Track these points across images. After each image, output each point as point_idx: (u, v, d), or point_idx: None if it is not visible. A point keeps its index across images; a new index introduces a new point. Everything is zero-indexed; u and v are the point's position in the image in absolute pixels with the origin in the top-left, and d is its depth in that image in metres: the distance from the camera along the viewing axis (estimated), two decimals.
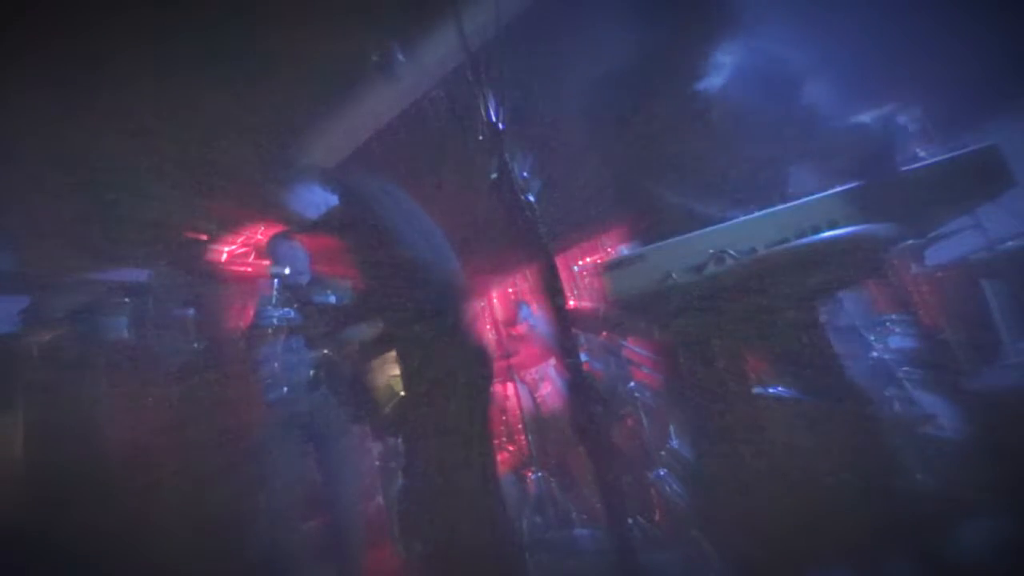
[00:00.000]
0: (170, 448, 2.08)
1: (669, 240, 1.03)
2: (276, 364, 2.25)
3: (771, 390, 1.80)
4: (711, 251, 0.99)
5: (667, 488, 2.25)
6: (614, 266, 1.03)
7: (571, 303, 3.70)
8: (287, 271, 2.40)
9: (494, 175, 1.02)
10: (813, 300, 1.26)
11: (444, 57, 2.22)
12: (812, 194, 1.04)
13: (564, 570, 2.24)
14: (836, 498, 1.20)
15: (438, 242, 2.01)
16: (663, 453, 2.41)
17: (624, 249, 1.05)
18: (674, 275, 0.99)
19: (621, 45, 1.40)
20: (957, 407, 1.90)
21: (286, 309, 2.30)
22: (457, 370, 1.53)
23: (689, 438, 2.11)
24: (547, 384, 3.05)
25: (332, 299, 2.46)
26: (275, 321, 2.26)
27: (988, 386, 2.03)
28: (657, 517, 2.22)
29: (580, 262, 4.24)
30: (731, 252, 0.98)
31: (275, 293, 2.34)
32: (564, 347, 1.03)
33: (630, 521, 2.00)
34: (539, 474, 2.64)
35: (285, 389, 2.22)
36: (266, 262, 3.35)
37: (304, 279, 2.50)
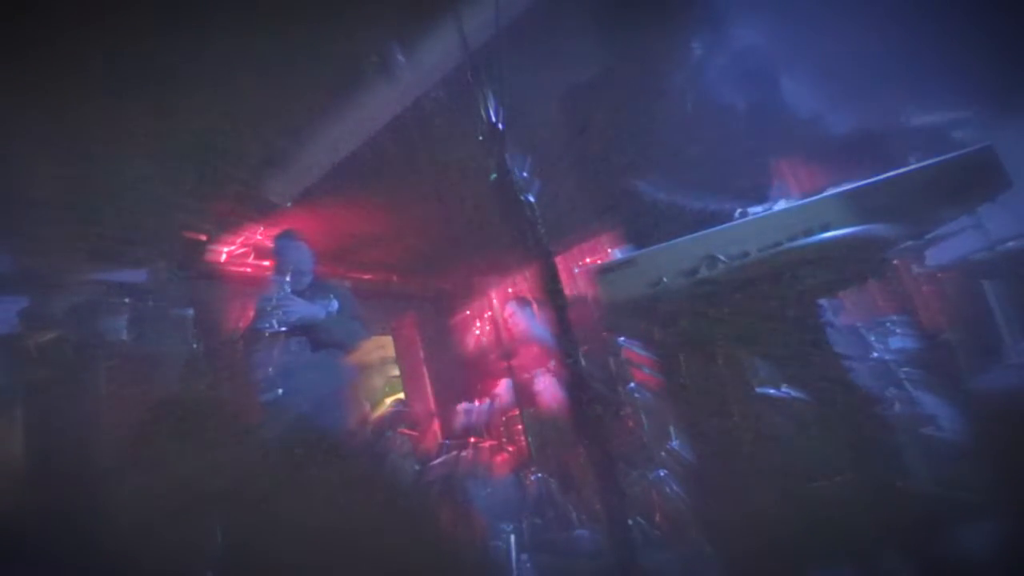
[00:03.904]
0: (168, 448, 2.08)
1: (660, 244, 1.03)
2: (274, 366, 2.24)
3: (771, 390, 1.80)
4: (702, 255, 0.99)
5: (667, 488, 2.25)
6: (606, 270, 1.03)
7: (570, 304, 3.70)
8: (290, 271, 2.39)
9: (494, 175, 1.02)
10: (811, 301, 1.26)
11: (444, 57, 2.22)
12: (807, 195, 1.04)
13: (564, 571, 2.24)
14: (836, 498, 1.20)
15: None
16: (663, 453, 2.41)
17: (616, 253, 1.05)
18: (665, 279, 0.99)
19: (613, 46, 1.40)
20: (958, 408, 1.90)
21: (286, 309, 2.29)
22: None
23: (689, 438, 2.11)
24: (547, 385, 3.04)
25: (334, 303, 2.44)
26: (274, 323, 2.24)
27: (989, 387, 2.03)
28: (657, 517, 2.21)
29: (580, 263, 4.25)
30: (721, 256, 0.97)
31: (276, 293, 2.33)
32: (564, 348, 1.03)
33: (630, 522, 1.99)
34: (539, 475, 2.64)
35: (280, 391, 2.21)
36: (267, 262, 3.35)
37: (307, 280, 2.49)
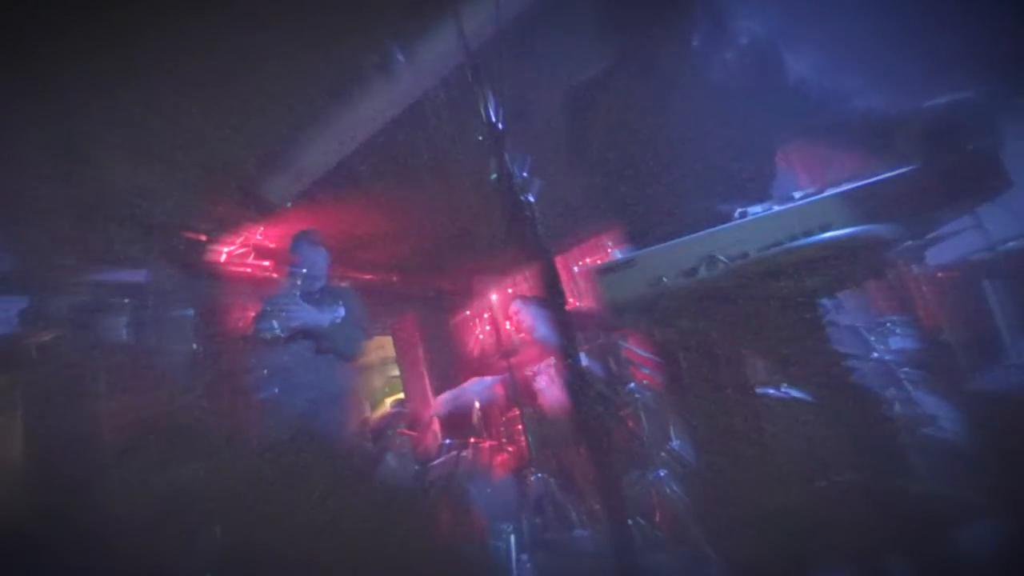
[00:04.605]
0: (168, 448, 2.08)
1: (660, 245, 1.03)
2: (272, 366, 2.22)
3: (771, 391, 1.80)
4: (702, 255, 0.99)
5: (667, 488, 2.24)
6: (605, 271, 1.03)
7: (571, 304, 3.70)
8: (304, 274, 2.36)
9: (494, 175, 1.03)
10: (811, 302, 1.26)
11: (444, 57, 2.22)
12: (806, 196, 1.04)
13: (564, 571, 2.23)
14: (836, 498, 1.20)
15: None
16: (663, 453, 2.41)
17: (616, 253, 1.05)
18: (665, 279, 0.99)
19: (613, 45, 1.40)
20: (958, 408, 1.90)
21: (291, 315, 2.26)
22: None
23: (689, 438, 2.11)
24: (547, 385, 3.04)
25: (340, 310, 2.41)
26: (277, 326, 2.23)
27: (989, 387, 2.03)
28: (657, 517, 2.21)
29: (580, 263, 4.25)
30: (721, 256, 0.98)
31: (285, 297, 2.30)
32: (564, 348, 1.03)
33: (630, 522, 2.00)
34: (539, 475, 2.63)
35: (276, 390, 2.19)
36: (267, 262, 3.35)
37: (319, 283, 2.44)
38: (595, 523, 2.38)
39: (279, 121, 2.48)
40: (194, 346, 2.70)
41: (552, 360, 3.06)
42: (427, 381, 4.87)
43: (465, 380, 3.52)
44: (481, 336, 4.89)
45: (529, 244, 1.00)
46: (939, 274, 2.43)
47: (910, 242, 1.17)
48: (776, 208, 1.05)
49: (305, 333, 2.28)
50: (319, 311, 2.33)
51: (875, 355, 2.21)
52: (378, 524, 2.08)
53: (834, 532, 1.17)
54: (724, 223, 1.04)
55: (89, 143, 2.19)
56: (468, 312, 5.06)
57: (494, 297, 4.56)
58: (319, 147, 2.72)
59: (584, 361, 2.75)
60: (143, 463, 2.06)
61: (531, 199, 1.01)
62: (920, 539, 1.15)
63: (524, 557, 2.25)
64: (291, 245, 2.49)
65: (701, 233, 1.02)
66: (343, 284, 2.83)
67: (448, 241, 3.80)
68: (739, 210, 1.11)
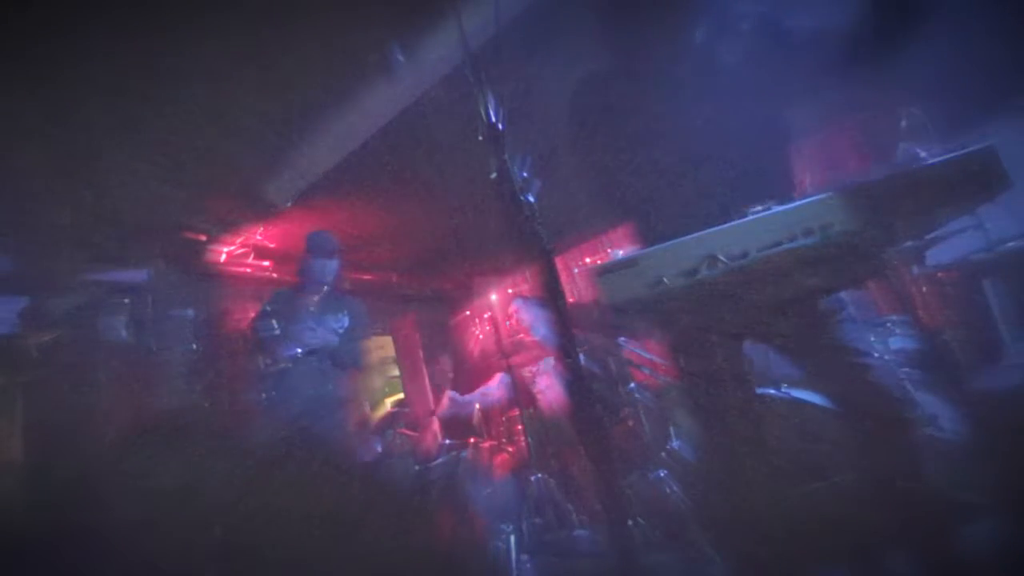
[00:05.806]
0: (167, 448, 2.08)
1: (660, 244, 1.03)
2: (274, 368, 2.22)
3: (771, 391, 1.80)
4: (702, 255, 0.99)
5: (667, 488, 2.24)
6: (606, 271, 1.03)
7: (570, 304, 3.69)
8: (314, 278, 2.34)
9: (494, 175, 1.03)
10: (811, 302, 1.26)
11: (444, 57, 2.22)
12: (806, 196, 1.04)
13: (564, 571, 2.23)
14: (837, 498, 1.20)
15: None
16: (663, 453, 2.41)
17: (616, 253, 1.05)
18: (666, 279, 0.99)
19: (613, 43, 1.40)
20: (958, 408, 1.90)
21: (303, 336, 2.25)
22: None
23: (689, 438, 2.11)
24: (547, 385, 3.05)
25: (345, 319, 2.38)
26: (275, 327, 2.21)
27: (989, 386, 2.03)
28: (657, 518, 2.21)
29: (580, 263, 4.25)
30: (721, 256, 0.98)
31: (298, 312, 2.29)
32: (564, 348, 1.03)
33: (630, 522, 2.00)
34: (539, 475, 2.63)
35: (274, 392, 2.19)
36: (267, 262, 3.34)
37: (324, 288, 2.41)
38: (595, 523, 2.38)
39: (279, 121, 2.48)
40: (194, 346, 2.70)
41: (552, 360, 3.06)
42: (427, 381, 4.87)
43: (467, 383, 3.53)
44: (481, 336, 4.89)
45: (529, 244, 1.00)
46: (939, 274, 2.43)
47: (910, 242, 1.17)
48: (776, 208, 1.04)
49: (310, 349, 2.26)
50: (323, 321, 2.30)
51: (875, 355, 2.21)
52: (378, 525, 2.08)
53: (834, 532, 1.17)
54: (724, 223, 1.04)
55: (89, 143, 2.19)
56: (468, 312, 5.06)
57: (494, 297, 4.56)
58: (319, 147, 2.72)
59: (584, 361, 2.74)
60: (143, 463, 2.05)
61: (531, 199, 1.01)
62: (920, 539, 1.15)
63: (524, 557, 2.25)
64: (306, 245, 2.42)
65: (701, 233, 1.02)
66: (349, 290, 2.78)
67: (448, 241, 3.80)
68: (739, 210, 1.11)
